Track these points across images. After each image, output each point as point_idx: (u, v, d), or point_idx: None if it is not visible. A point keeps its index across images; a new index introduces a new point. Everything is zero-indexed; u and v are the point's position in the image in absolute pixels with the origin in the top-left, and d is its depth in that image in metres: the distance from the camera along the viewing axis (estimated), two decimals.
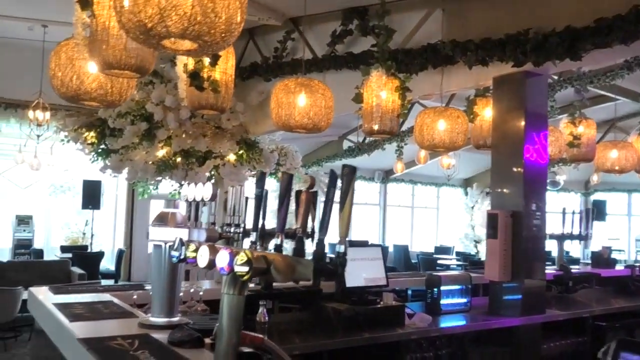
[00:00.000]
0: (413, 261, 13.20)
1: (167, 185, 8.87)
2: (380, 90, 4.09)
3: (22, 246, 13.28)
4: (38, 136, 9.26)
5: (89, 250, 11.74)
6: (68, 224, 14.22)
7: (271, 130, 7.99)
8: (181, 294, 2.33)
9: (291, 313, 3.76)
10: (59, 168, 13.72)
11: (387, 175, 15.30)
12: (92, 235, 13.49)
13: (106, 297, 2.66)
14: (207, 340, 1.86)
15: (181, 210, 2.20)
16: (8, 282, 7.98)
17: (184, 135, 7.25)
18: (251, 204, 1.92)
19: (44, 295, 2.69)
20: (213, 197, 2.06)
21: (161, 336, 1.93)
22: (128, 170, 7.41)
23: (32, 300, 2.79)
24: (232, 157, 7.64)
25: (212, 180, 7.51)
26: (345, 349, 3.25)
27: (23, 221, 13.42)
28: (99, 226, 14.07)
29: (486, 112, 4.90)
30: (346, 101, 4.35)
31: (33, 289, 2.79)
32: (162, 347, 1.79)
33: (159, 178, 7.49)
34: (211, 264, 1.50)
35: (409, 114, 5.39)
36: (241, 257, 1.35)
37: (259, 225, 1.85)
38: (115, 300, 2.57)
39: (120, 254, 10.57)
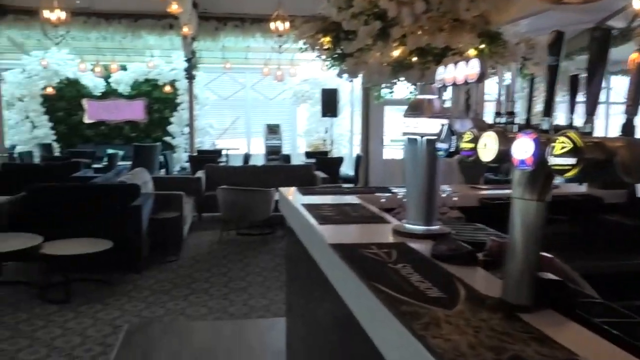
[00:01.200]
0: None
1: (402, 89, 8.57)
2: None
3: (273, 152, 14.66)
4: (280, 46, 9.71)
5: (329, 156, 12.35)
6: (310, 131, 15.17)
7: (515, 19, 6.98)
8: None
9: (556, 225, 3.14)
10: (299, 78, 14.51)
11: None
12: (331, 142, 14.18)
13: (352, 199, 2.46)
14: (480, 257, 1.47)
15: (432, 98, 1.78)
16: (263, 184, 8.78)
17: (419, 32, 6.73)
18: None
19: (293, 195, 2.60)
20: (481, 78, 1.58)
21: (420, 247, 1.61)
22: (363, 74, 7.25)
23: (282, 200, 2.76)
24: (471, 52, 6.90)
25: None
26: (629, 274, 2.59)
27: (272, 130, 14.71)
28: (337, 133, 14.72)
29: None
30: None
31: (282, 189, 2.75)
32: (426, 262, 1.46)
33: (394, 80, 7.18)
34: (500, 157, 1.07)
35: None
36: (561, 144, 0.88)
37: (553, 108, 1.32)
38: (363, 204, 2.35)
39: (358, 159, 10.84)
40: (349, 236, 1.78)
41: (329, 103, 13.38)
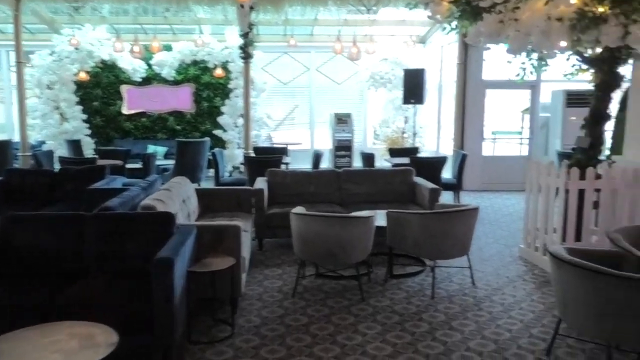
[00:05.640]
0: None
1: (559, 63, 5.91)
2: None
3: (342, 147, 12.26)
4: (368, 10, 7.27)
5: (420, 153, 9.81)
6: (385, 121, 12.64)
7: None
8: None
9: None
10: (377, 57, 11.96)
11: None
12: (414, 135, 11.64)
13: None
14: None
15: None
16: (346, 197, 6.39)
17: None
18: None
19: None
20: None
21: None
22: (512, 36, 4.71)
23: None
24: None
25: None
26: None
27: (341, 120, 12.29)
28: (419, 124, 12.14)
29: None
30: None
31: None
32: None
33: (563, 44, 4.59)
34: None
35: None
36: None
37: None
38: None
39: (462, 158, 8.28)
40: None
41: (413, 87, 10.83)
